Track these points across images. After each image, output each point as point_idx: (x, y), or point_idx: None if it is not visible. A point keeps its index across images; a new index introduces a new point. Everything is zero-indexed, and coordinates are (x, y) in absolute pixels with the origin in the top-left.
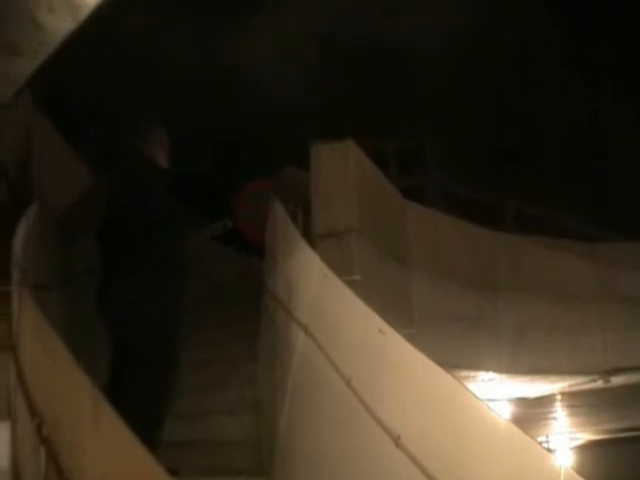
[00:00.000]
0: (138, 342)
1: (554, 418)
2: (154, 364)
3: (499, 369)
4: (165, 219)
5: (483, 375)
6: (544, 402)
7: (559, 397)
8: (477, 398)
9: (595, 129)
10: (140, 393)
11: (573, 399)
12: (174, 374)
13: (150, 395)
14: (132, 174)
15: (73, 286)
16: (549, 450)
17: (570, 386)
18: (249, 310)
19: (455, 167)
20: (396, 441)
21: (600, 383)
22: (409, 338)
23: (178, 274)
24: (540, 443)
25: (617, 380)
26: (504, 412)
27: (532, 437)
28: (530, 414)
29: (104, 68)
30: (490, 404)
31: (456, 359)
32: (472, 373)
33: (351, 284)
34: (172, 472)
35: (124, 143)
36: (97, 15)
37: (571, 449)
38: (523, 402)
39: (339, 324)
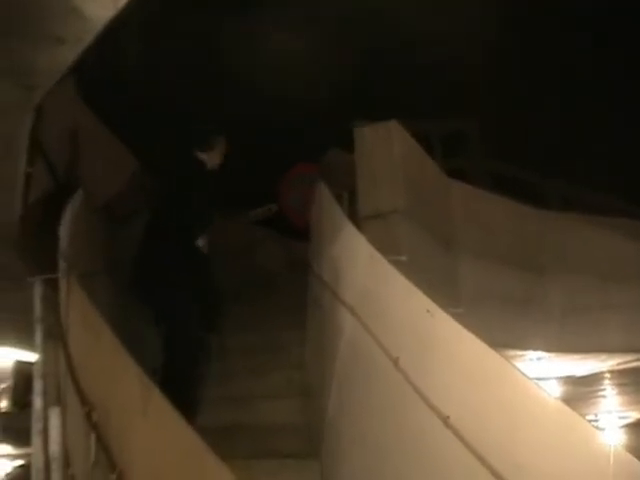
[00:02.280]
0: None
1: (603, 396)
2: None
3: (548, 348)
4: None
5: (531, 354)
6: (593, 380)
7: (608, 375)
8: (526, 377)
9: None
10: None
11: (622, 377)
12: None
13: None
14: (177, 172)
15: (118, 273)
16: (598, 429)
17: (619, 364)
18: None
19: (499, 148)
20: (445, 421)
21: None
22: (456, 317)
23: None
24: (590, 422)
25: None
26: (553, 391)
27: (582, 415)
28: (579, 393)
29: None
30: (539, 383)
31: (504, 338)
32: (520, 352)
33: (397, 264)
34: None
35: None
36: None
37: (620, 428)
38: (572, 381)
39: (386, 305)
